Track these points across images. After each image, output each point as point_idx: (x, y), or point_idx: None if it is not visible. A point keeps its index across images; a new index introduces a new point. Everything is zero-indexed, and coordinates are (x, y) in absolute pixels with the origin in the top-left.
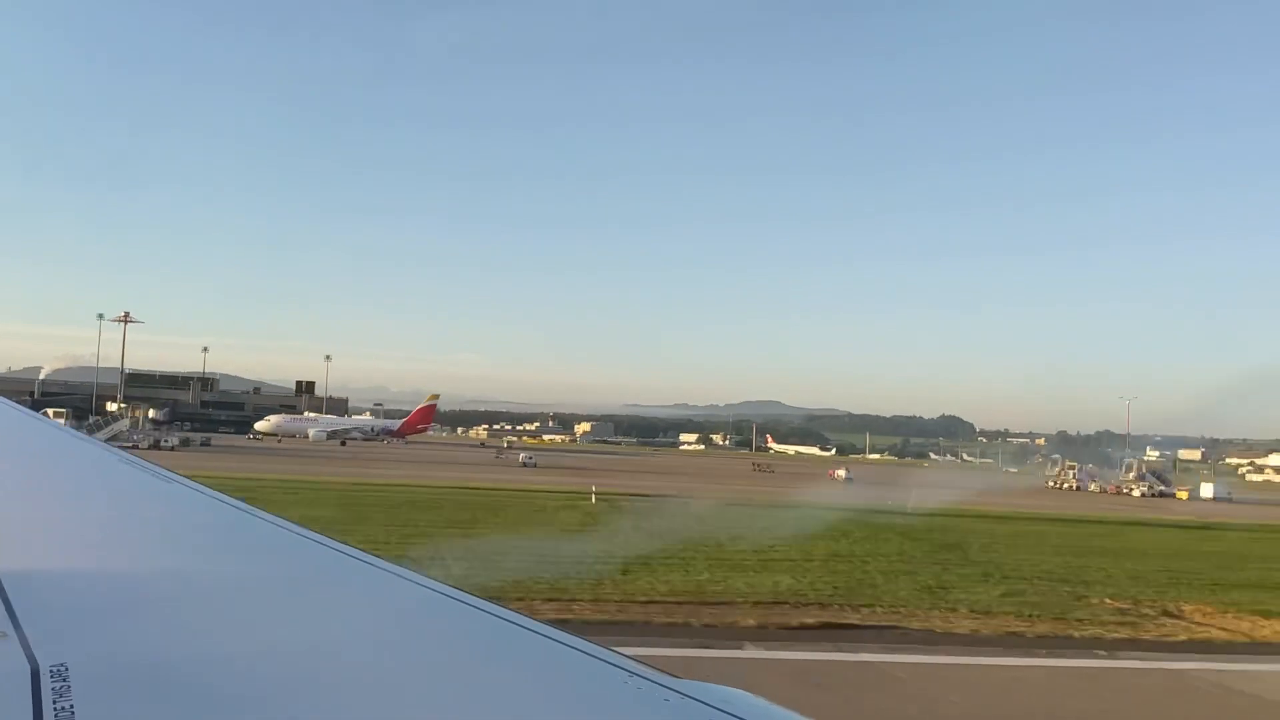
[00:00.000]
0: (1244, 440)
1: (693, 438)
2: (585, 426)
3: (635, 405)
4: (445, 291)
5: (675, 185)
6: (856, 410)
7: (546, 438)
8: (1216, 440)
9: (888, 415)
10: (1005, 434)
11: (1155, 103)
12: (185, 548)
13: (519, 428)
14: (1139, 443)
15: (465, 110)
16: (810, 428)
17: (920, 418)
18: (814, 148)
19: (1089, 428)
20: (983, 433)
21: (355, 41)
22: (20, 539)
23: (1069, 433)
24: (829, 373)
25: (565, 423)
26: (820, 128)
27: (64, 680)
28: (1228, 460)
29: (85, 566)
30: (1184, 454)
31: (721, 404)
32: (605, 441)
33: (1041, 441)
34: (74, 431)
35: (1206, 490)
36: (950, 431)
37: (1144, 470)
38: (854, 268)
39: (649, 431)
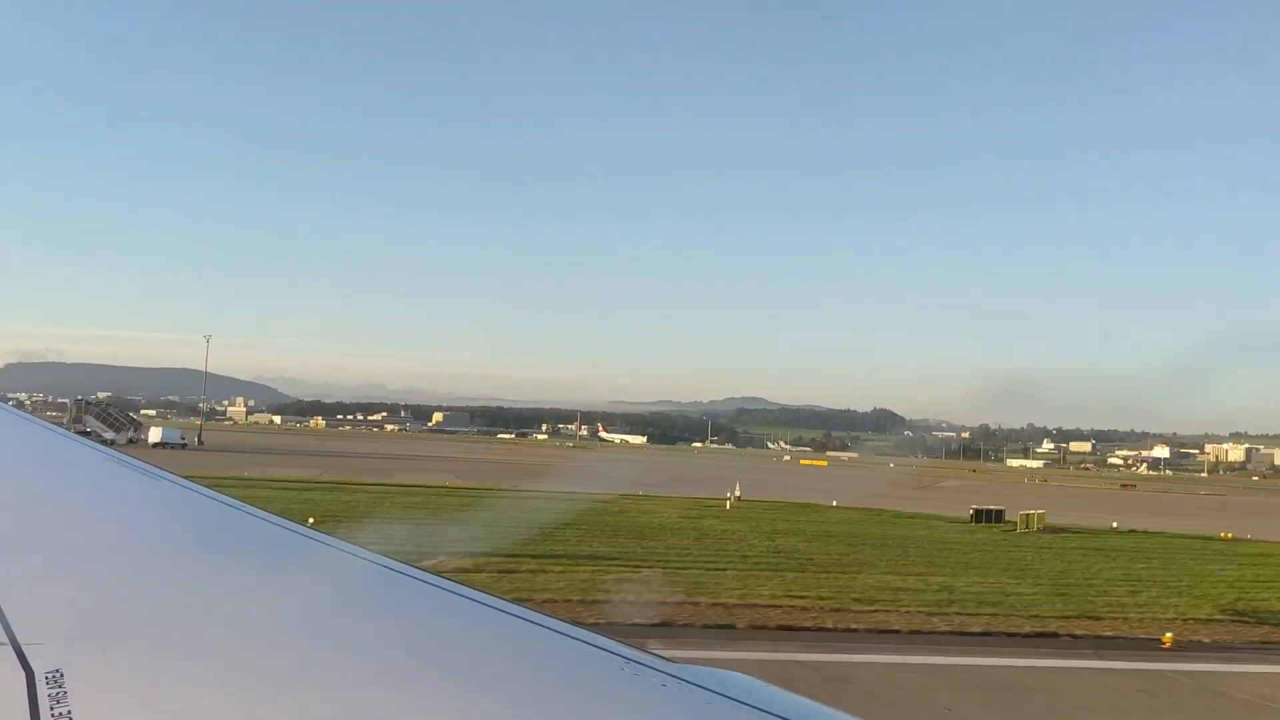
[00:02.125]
0: (1134, 430)
1: (545, 428)
2: (438, 417)
3: (620, 401)
4: (436, 290)
5: (670, 183)
6: (833, 405)
7: (389, 427)
8: (1103, 431)
9: (821, 409)
10: (933, 426)
11: (1110, 114)
12: (178, 547)
13: (370, 418)
14: (1039, 435)
15: (444, 104)
16: (722, 423)
17: (854, 411)
18: (802, 146)
19: (1018, 422)
20: (911, 425)
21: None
22: (9, 544)
23: (989, 426)
24: (810, 369)
25: (422, 414)
26: (803, 126)
27: (60, 686)
28: (1118, 451)
29: (77, 570)
30: (1075, 446)
31: (705, 400)
32: (443, 430)
33: (966, 435)
34: (65, 432)
35: (155, 434)
36: (880, 425)
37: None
38: (842, 268)
39: (529, 422)
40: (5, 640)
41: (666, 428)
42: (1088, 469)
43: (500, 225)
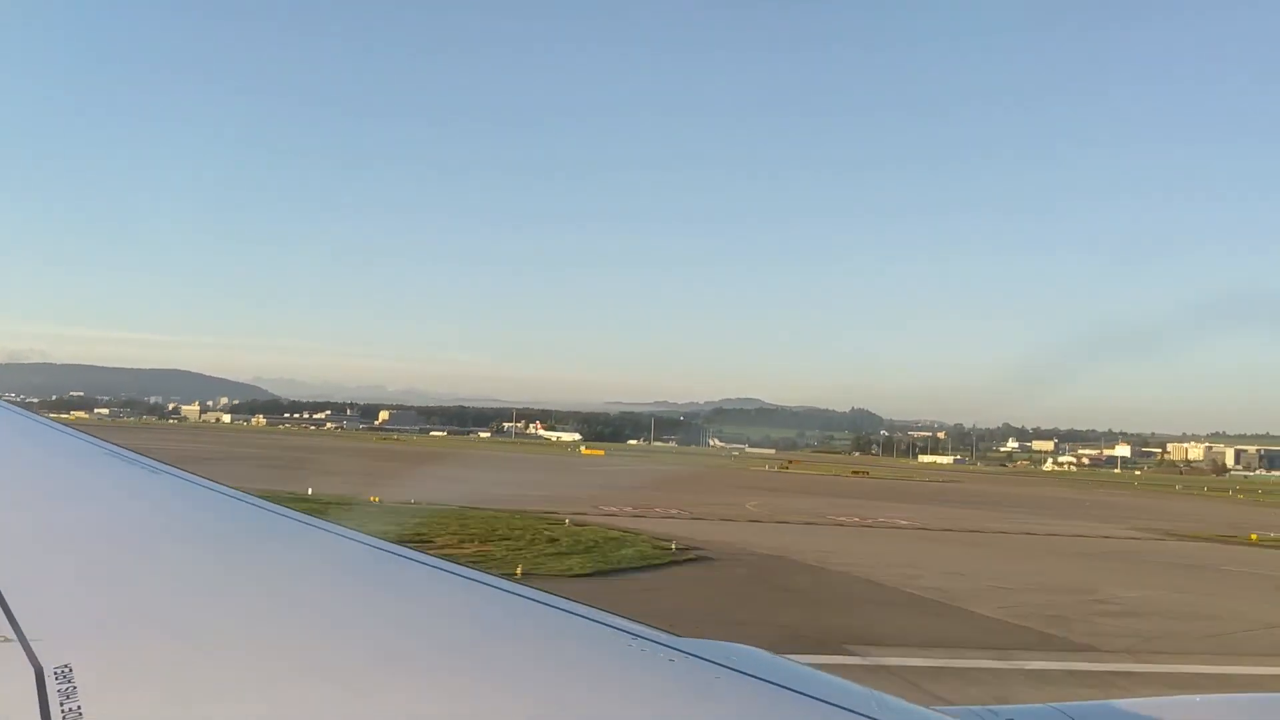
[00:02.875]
0: (1112, 431)
1: (493, 426)
2: (384, 415)
3: (616, 402)
4: (438, 291)
5: (666, 185)
6: (825, 406)
7: (330, 425)
8: (1074, 430)
9: (800, 409)
10: (909, 426)
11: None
12: (184, 541)
13: (314, 416)
14: (1003, 434)
15: (441, 103)
16: (697, 422)
17: (832, 410)
18: (797, 145)
19: (994, 422)
20: (889, 425)
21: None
22: (14, 541)
23: (964, 425)
24: (810, 369)
25: (369, 413)
26: (803, 124)
27: (69, 681)
28: (1079, 450)
29: (83, 565)
30: (1037, 444)
31: (702, 400)
32: (385, 429)
33: (943, 435)
34: (68, 428)
35: None
36: (857, 425)
37: None
38: (834, 268)
39: (481, 421)
40: (13, 637)
41: (619, 426)
42: (1005, 466)
43: (503, 226)
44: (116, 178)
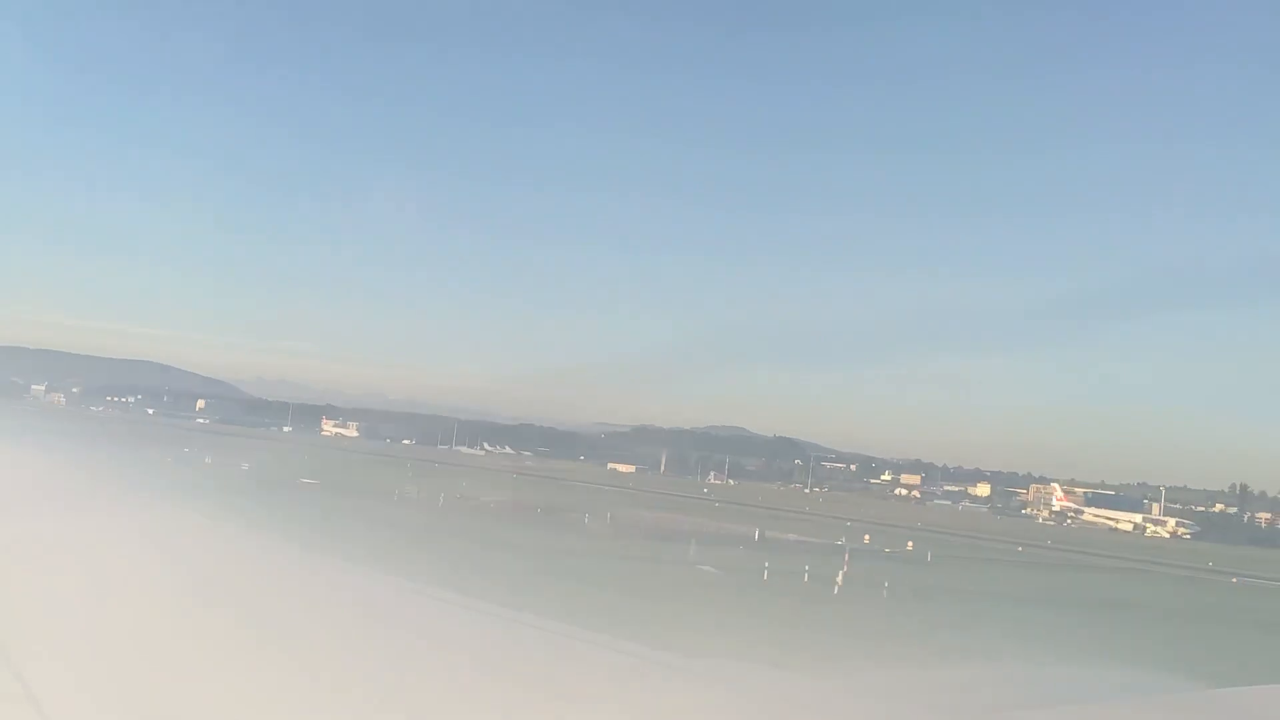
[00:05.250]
0: (1033, 474)
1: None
2: (201, 403)
3: (602, 424)
4: (441, 305)
5: (666, 199)
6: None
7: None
8: (935, 466)
9: (723, 434)
10: (822, 457)
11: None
12: (189, 588)
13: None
14: (895, 465)
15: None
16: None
17: (753, 434)
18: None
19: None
20: (803, 451)
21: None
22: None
23: (871, 458)
24: (793, 399)
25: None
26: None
27: None
28: (945, 486)
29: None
30: (906, 477)
31: (687, 426)
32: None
33: (854, 467)
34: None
35: None
36: (778, 452)
37: None
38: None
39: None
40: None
41: (448, 429)
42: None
43: (511, 242)
44: (110, 168)
